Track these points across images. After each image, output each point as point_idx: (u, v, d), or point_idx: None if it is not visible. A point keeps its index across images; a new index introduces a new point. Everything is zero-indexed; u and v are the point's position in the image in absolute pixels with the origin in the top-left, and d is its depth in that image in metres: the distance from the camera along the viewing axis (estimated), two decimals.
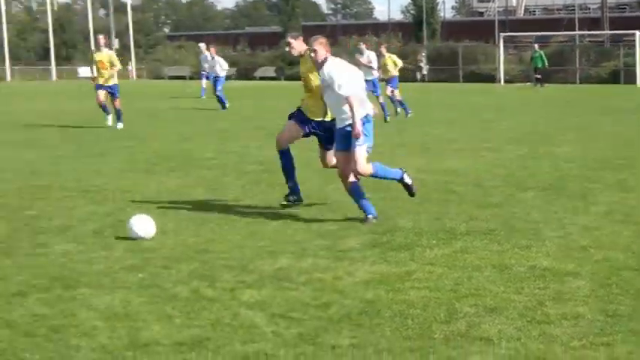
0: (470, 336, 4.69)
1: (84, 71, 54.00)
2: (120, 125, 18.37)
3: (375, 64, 21.47)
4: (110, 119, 18.74)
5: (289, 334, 4.77)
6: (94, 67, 18.40)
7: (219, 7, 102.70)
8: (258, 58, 68.81)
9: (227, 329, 4.84)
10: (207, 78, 28.58)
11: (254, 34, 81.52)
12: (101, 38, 18.67)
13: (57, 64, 67.59)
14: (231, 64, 39.32)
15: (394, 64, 22.15)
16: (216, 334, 4.75)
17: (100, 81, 18.25)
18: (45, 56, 70.75)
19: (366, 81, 14.05)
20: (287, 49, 8.62)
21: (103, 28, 66.76)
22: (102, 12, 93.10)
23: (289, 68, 63.55)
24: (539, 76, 40.00)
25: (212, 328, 4.84)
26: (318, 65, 7.96)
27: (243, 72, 64.34)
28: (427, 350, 4.47)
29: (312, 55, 7.98)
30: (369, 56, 21.52)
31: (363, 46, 22.31)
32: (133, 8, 75.39)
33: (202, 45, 30.91)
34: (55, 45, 68.34)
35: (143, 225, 7.13)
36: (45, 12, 71.81)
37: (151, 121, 20.85)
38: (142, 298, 5.41)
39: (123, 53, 72.33)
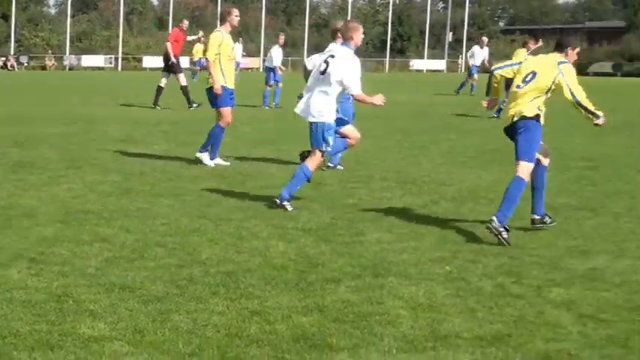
0: None
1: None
2: None
3: None
4: None
5: (597, 336, 4.60)
6: None
7: (560, 0, 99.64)
8: (595, 53, 66.37)
9: (530, 327, 4.77)
10: None
11: (593, 29, 78.41)
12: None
13: (391, 57, 70.11)
14: None
15: None
16: (518, 330, 4.70)
17: None
18: (382, 48, 73.64)
19: None
20: None
21: (437, 21, 68.15)
22: (440, 5, 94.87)
23: (628, 64, 60.44)
24: None
25: (514, 325, 4.80)
26: None
27: (577, 67, 62.40)
28: None
29: None
30: None
31: None
32: (472, 1, 75.99)
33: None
34: (392, 38, 70.98)
35: None
36: (387, 5, 74.98)
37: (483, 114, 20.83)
38: (447, 290, 5.48)
39: (454, 47, 73.42)
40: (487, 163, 11.78)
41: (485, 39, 29.64)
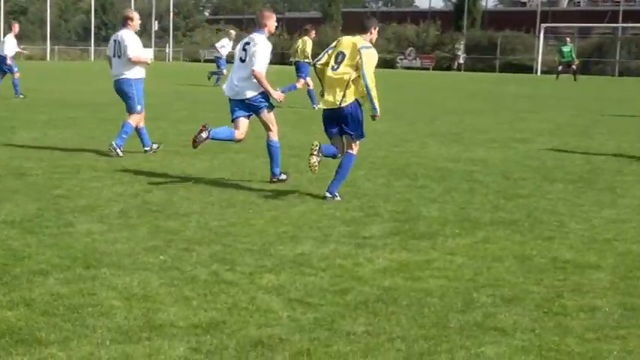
0: (485, 326, 4.67)
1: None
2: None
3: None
4: None
5: (305, 320, 4.79)
6: None
7: None
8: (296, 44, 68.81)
9: (243, 313, 4.86)
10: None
11: (293, 19, 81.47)
12: None
13: (96, 45, 68.22)
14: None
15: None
16: (232, 317, 4.78)
17: None
18: (85, 37, 71.38)
19: None
20: None
21: (143, 10, 67.11)
22: None
23: None
24: (574, 68, 39.00)
25: (228, 312, 4.87)
26: None
27: (280, 57, 64.31)
28: (441, 339, 4.46)
29: None
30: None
31: None
32: None
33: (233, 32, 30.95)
34: (96, 26, 68.93)
35: None
36: None
37: (182, 104, 20.92)
38: (162, 279, 5.45)
39: (161, 35, 72.96)
40: (198, 152, 11.84)
41: (233, 32, 29.78)
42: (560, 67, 39.39)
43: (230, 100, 9.11)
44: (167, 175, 9.77)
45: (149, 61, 11.67)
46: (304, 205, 8.13)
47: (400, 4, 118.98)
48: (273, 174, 9.34)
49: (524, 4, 77.30)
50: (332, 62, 8.14)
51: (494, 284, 5.48)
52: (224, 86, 9.31)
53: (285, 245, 6.51)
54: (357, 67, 7.96)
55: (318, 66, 8.37)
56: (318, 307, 4.99)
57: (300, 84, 15.50)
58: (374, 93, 7.96)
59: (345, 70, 8.03)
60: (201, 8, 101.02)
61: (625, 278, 5.58)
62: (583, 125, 16.95)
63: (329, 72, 8.16)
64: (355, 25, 8.96)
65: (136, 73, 11.36)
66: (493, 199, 8.55)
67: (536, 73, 51.95)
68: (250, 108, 9.05)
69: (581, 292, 5.29)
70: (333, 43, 8.41)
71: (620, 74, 51.02)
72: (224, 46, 28.80)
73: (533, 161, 11.37)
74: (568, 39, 41.09)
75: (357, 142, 8.34)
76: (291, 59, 21.43)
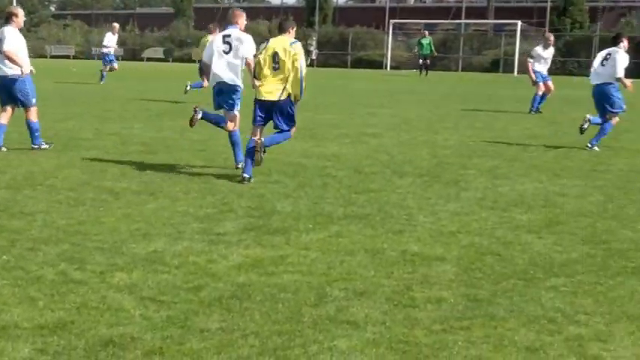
0: (337, 320, 4.75)
1: None
2: None
3: None
4: None
5: (158, 318, 4.72)
6: None
7: None
8: (147, 39, 67.64)
9: (93, 312, 4.75)
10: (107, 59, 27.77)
11: (144, 15, 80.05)
12: None
13: None
14: (120, 44, 38.32)
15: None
16: (81, 317, 4.66)
17: None
18: None
19: None
20: None
21: None
22: None
23: (178, 50, 62.68)
24: (427, 63, 40.25)
25: (77, 312, 4.74)
26: None
27: (131, 52, 63.14)
28: (294, 334, 4.50)
29: None
30: None
31: None
32: None
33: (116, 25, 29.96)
34: None
35: None
36: None
37: None
38: (5, 280, 5.25)
39: None
40: (61, 150, 11.45)
41: (116, 25, 28.48)
42: (420, 61, 40.37)
43: (220, 91, 9.92)
44: (11, 173, 9.39)
45: (27, 71, 11.10)
46: (156, 202, 8.02)
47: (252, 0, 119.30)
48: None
49: (373, 0, 79.02)
50: (270, 63, 9.27)
51: (347, 278, 5.58)
52: (214, 75, 9.87)
53: (137, 243, 6.39)
54: (293, 62, 9.18)
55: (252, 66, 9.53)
56: (172, 305, 4.94)
57: (206, 83, 15.65)
58: (304, 82, 9.31)
59: (285, 69, 9.20)
60: (46, 3, 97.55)
61: (468, 270, 5.81)
62: (430, 120, 17.51)
63: (267, 71, 9.28)
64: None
65: (17, 70, 10.94)
66: (345, 193, 8.70)
67: (386, 68, 53.22)
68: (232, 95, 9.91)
69: (428, 284, 5.47)
70: (263, 46, 9.46)
71: (463, 69, 53.04)
72: (110, 41, 27.44)
73: (384, 156, 11.65)
74: (426, 32, 42.40)
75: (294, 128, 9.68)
76: (194, 58, 21.48)
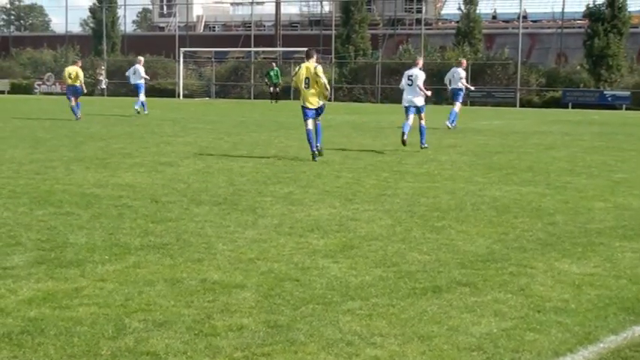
0: (137, 351, 4.66)
1: None
2: None
3: None
4: None
5: None
6: None
7: None
8: None
9: None
10: None
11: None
12: None
13: None
14: None
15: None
16: None
17: None
18: None
19: None
20: None
21: None
22: None
23: None
24: (277, 91, 44.60)
25: None
26: None
27: None
28: None
29: None
30: None
31: None
32: None
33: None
34: None
35: None
36: None
37: None
38: None
39: None
40: None
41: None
42: (271, 89, 45.51)
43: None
44: None
45: None
46: None
47: (34, 28, 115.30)
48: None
49: (162, 28, 78.46)
50: (303, 84, 15.04)
51: (146, 309, 5.49)
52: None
53: None
54: (317, 80, 14.86)
55: (293, 84, 16.38)
56: None
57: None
58: (327, 91, 15.14)
59: (314, 86, 14.98)
60: None
61: (268, 296, 5.88)
62: (224, 147, 17.61)
63: (304, 88, 15.07)
64: None
65: None
66: (142, 223, 8.56)
67: (179, 97, 52.97)
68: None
69: (229, 311, 5.49)
70: (297, 69, 15.42)
71: (256, 97, 53.82)
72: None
73: (180, 184, 11.58)
74: (274, 64, 48.18)
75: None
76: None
